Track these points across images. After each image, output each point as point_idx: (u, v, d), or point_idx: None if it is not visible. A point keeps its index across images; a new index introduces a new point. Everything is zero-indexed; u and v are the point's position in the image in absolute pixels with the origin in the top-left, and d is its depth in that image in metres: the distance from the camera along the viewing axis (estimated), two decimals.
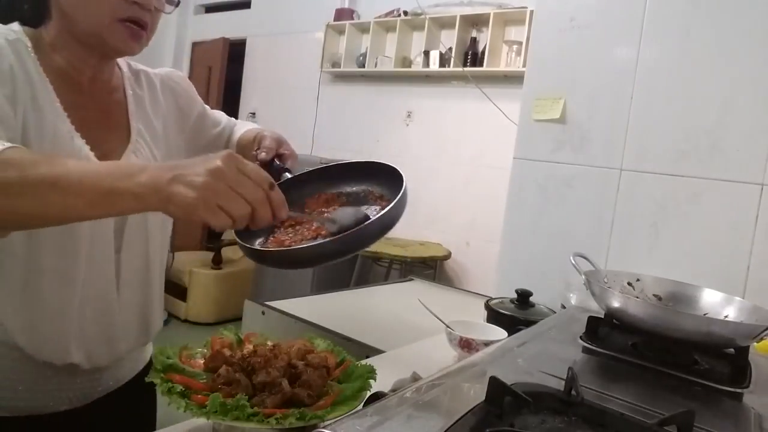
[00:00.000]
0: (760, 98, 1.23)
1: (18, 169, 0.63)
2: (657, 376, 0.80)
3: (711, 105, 1.29)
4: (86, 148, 0.86)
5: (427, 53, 3.36)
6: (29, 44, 0.84)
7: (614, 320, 0.92)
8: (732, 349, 0.86)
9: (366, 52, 3.66)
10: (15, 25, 0.86)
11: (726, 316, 0.95)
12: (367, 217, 0.81)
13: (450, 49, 3.23)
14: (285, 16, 4.35)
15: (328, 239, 0.78)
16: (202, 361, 0.86)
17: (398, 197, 0.79)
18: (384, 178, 0.90)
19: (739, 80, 1.26)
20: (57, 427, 0.83)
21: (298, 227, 0.87)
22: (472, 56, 3.18)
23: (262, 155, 0.98)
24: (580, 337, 0.90)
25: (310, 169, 0.96)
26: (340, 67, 3.78)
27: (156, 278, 1.01)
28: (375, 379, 0.83)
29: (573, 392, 0.62)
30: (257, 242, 0.87)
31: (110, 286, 0.92)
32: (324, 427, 0.51)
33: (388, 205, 0.80)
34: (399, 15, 3.53)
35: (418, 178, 3.47)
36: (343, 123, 3.91)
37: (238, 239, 0.83)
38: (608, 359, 0.85)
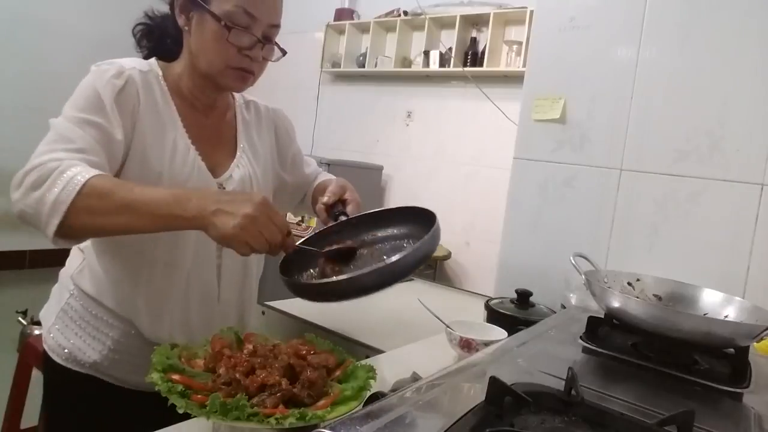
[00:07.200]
0: (760, 98, 1.23)
1: (99, 196, 0.81)
2: (657, 376, 0.80)
3: (711, 105, 1.29)
4: (198, 159, 1.03)
5: (427, 53, 3.36)
6: (160, 74, 1.04)
7: (614, 320, 0.92)
8: (732, 349, 0.86)
9: (366, 52, 3.65)
10: (152, 60, 1.06)
11: (726, 316, 0.95)
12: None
13: (450, 49, 3.23)
14: (285, 16, 4.33)
15: (364, 270, 0.86)
16: (202, 361, 0.86)
17: (428, 234, 0.91)
18: (423, 222, 1.01)
19: (739, 80, 1.26)
20: (165, 405, 0.86)
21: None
22: (472, 56, 3.18)
23: (325, 199, 1.11)
24: (580, 337, 0.90)
25: (363, 213, 1.09)
26: (340, 67, 3.78)
27: (253, 280, 1.17)
28: (375, 379, 0.83)
29: (573, 392, 0.62)
30: (299, 276, 0.99)
31: (212, 280, 1.08)
32: (324, 427, 0.51)
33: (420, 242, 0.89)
34: (399, 15, 3.53)
35: (418, 178, 3.47)
36: (343, 123, 3.91)
37: (280, 274, 0.93)
38: (608, 359, 0.85)
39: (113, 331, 1.03)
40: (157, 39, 1.11)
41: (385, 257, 0.96)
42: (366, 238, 1.06)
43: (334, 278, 0.90)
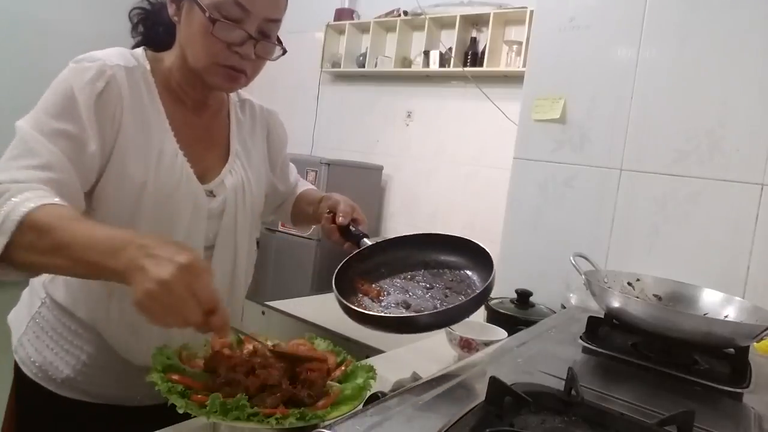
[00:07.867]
0: (760, 98, 1.23)
1: (37, 234, 0.70)
2: (657, 376, 0.80)
3: (711, 105, 1.29)
4: (187, 166, 0.94)
5: (427, 53, 3.36)
6: (148, 67, 0.95)
7: (614, 320, 0.92)
8: (732, 349, 0.86)
9: (366, 52, 3.65)
10: (139, 50, 0.97)
11: (726, 316, 0.95)
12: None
13: (450, 49, 3.23)
14: (285, 16, 4.34)
15: (425, 313, 0.83)
16: (202, 361, 0.86)
17: (491, 278, 0.85)
18: (453, 249, 0.96)
19: (739, 80, 1.26)
20: (141, 419, 0.83)
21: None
22: (472, 56, 3.18)
23: (341, 220, 1.07)
24: (580, 337, 0.90)
25: (391, 237, 1.03)
26: (340, 67, 3.78)
27: (240, 289, 1.10)
28: (375, 379, 0.83)
29: (573, 392, 0.62)
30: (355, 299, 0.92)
31: None
32: (324, 427, 0.51)
33: (477, 283, 0.86)
34: (399, 15, 3.53)
35: (418, 178, 3.47)
36: (343, 123, 3.91)
37: (337, 295, 0.88)
38: (608, 359, 0.85)
39: (87, 345, 0.96)
40: (150, 26, 1.02)
41: (433, 286, 0.92)
42: (397, 264, 1.00)
43: (400, 314, 0.86)
